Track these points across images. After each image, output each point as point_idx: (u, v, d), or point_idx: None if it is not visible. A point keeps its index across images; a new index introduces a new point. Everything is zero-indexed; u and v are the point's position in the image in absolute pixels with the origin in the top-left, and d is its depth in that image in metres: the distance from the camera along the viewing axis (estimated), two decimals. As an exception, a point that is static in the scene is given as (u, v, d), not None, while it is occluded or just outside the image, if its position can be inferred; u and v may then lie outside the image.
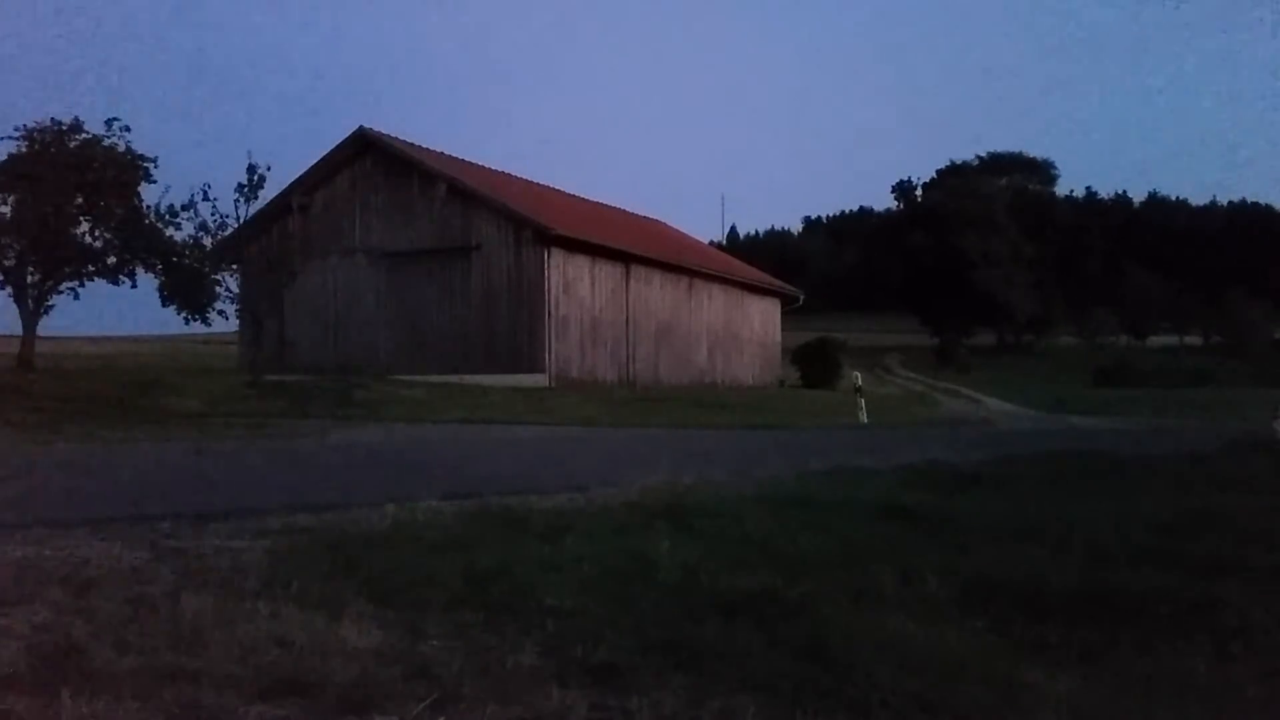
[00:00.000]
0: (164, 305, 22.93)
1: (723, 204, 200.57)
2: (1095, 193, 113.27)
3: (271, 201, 24.14)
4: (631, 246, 27.78)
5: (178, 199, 22.00)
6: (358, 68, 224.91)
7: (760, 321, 34.95)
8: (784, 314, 37.00)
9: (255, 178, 20.47)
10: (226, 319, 23.74)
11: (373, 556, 4.29)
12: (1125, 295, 79.25)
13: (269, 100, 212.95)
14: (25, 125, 22.33)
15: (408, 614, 3.53)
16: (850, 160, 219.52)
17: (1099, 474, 8.86)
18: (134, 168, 22.95)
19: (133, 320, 41.08)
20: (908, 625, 3.53)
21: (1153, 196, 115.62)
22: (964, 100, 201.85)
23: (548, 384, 23.49)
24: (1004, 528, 5.53)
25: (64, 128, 22.50)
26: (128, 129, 22.92)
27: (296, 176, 26.14)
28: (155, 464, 8.76)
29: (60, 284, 22.84)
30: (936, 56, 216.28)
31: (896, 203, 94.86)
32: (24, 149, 22.27)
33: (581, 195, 34.52)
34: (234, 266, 23.01)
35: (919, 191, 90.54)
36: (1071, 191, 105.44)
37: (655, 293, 28.60)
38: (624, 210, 36.96)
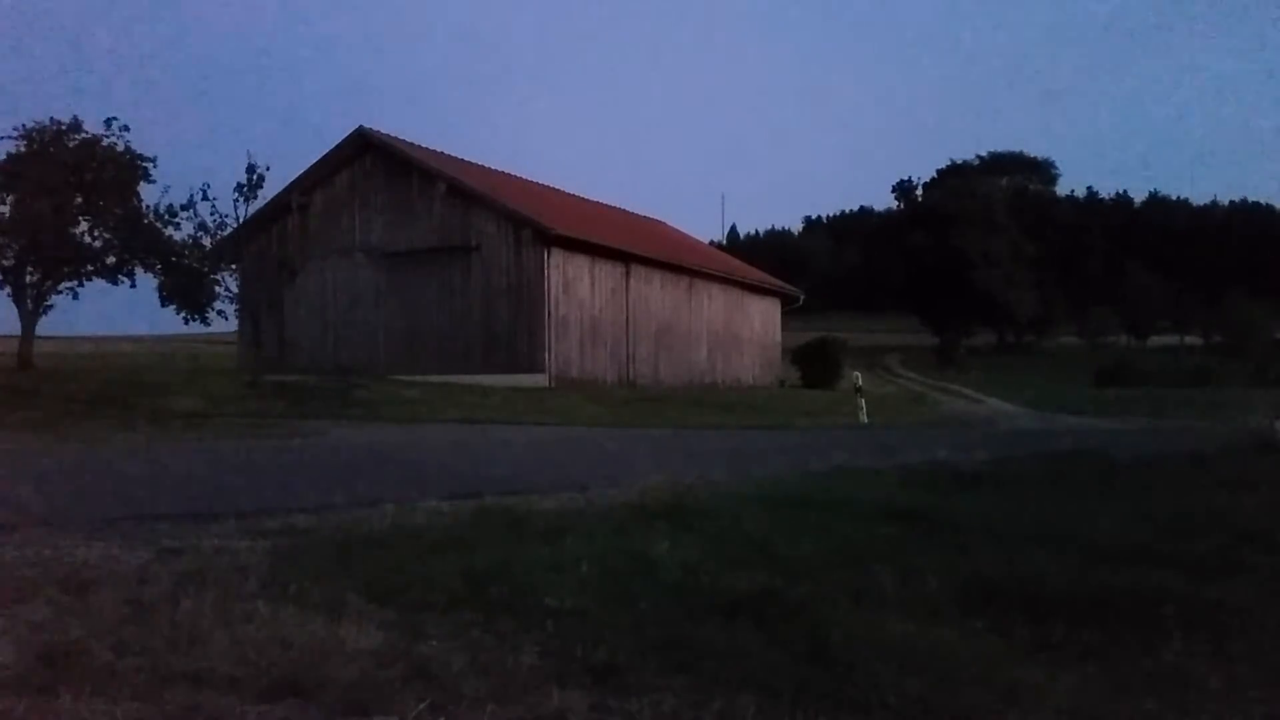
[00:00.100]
0: (163, 305, 23.00)
1: (723, 204, 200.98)
2: (1096, 192, 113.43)
3: (271, 201, 24.13)
4: (631, 246, 27.78)
5: (177, 199, 22.07)
6: (357, 68, 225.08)
7: (760, 321, 34.95)
8: (784, 314, 37.00)
9: (254, 177, 20.47)
10: (226, 319, 23.79)
11: (373, 557, 4.29)
12: (1126, 295, 79.24)
13: (269, 100, 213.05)
14: (24, 125, 22.41)
15: (407, 614, 3.52)
16: (850, 160, 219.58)
17: (1099, 474, 8.84)
18: (133, 167, 22.98)
19: (132, 320, 41.19)
20: (908, 625, 3.53)
21: (1153, 196, 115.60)
22: (964, 100, 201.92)
23: (547, 384, 23.49)
24: (1004, 528, 5.52)
25: (63, 127, 22.53)
26: (127, 129, 23.01)
27: (296, 176, 26.15)
28: (155, 464, 8.75)
29: (59, 284, 22.88)
30: (936, 56, 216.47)
31: (897, 202, 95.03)
32: (23, 149, 22.29)
33: (581, 195, 34.56)
34: (233, 266, 23.03)
35: (919, 191, 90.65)
36: (1072, 191, 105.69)
37: (655, 293, 28.59)
38: (624, 210, 36.96)
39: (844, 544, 4.91)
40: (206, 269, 22.35)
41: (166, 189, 22.91)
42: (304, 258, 23.69)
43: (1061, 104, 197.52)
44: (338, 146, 26.33)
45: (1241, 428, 14.21)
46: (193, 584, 3.80)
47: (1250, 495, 7.33)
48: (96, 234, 23.02)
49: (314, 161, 26.40)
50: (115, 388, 16.97)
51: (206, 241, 21.29)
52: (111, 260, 23.06)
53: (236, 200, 20.48)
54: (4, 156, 22.23)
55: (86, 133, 22.66)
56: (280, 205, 25.39)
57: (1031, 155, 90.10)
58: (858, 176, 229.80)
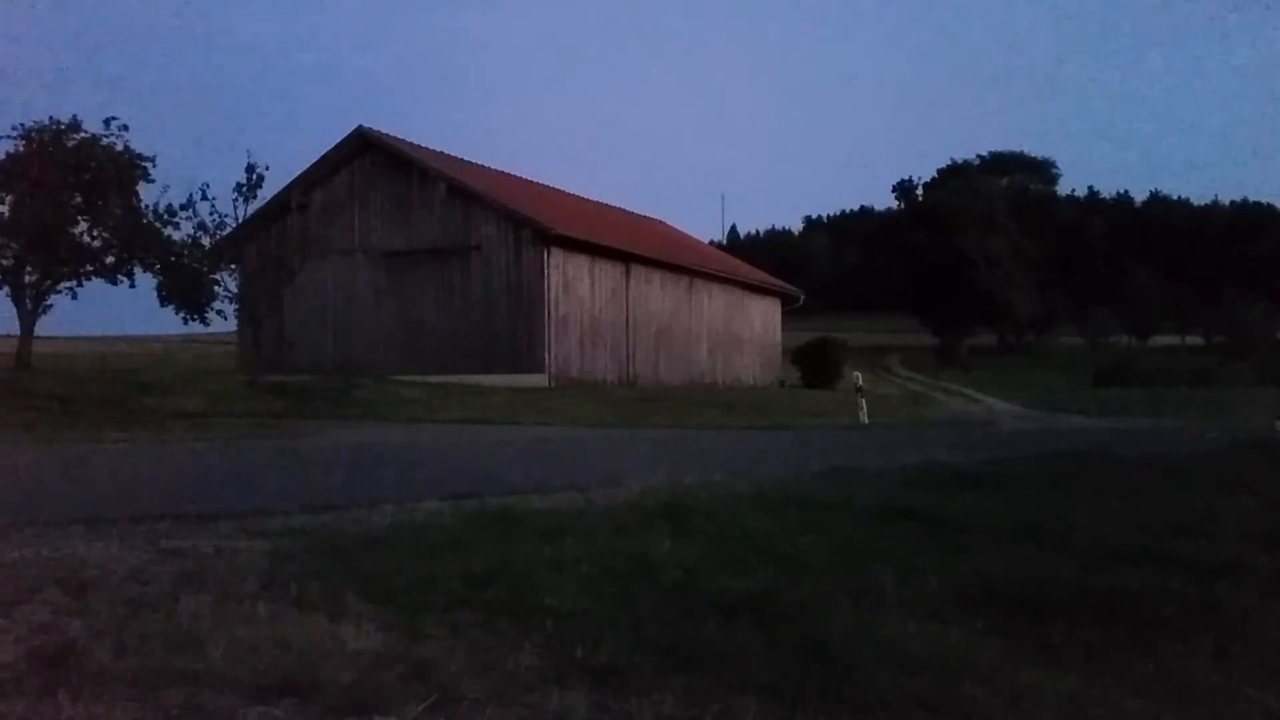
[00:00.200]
0: (162, 305, 22.97)
1: (723, 204, 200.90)
2: (1097, 192, 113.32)
3: (270, 201, 24.14)
4: (631, 246, 27.79)
5: (176, 198, 22.06)
6: (357, 67, 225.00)
7: (760, 321, 34.96)
8: (784, 314, 37.02)
9: (254, 177, 20.51)
10: (225, 319, 23.77)
11: (372, 557, 4.28)
12: (1127, 295, 79.24)
13: (269, 99, 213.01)
14: (23, 124, 22.39)
15: (407, 615, 3.51)
16: (850, 160, 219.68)
17: (1100, 474, 8.85)
18: (132, 167, 22.96)
19: (131, 320, 41.20)
20: (908, 626, 3.53)
21: (1154, 196, 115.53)
22: (964, 100, 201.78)
23: (547, 384, 23.50)
24: (1005, 528, 5.52)
25: (62, 127, 22.51)
26: (126, 128, 22.99)
27: (295, 176, 26.15)
28: (154, 464, 8.75)
29: (58, 284, 22.86)
30: (937, 56, 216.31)
31: (897, 202, 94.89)
32: (22, 148, 22.28)
33: (581, 195, 34.56)
34: (233, 266, 23.03)
35: (920, 191, 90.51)
36: (1073, 191, 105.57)
37: (655, 292, 28.59)
38: (624, 210, 36.97)
39: (844, 544, 4.90)
40: (206, 269, 22.32)
41: (166, 189, 22.92)
42: (303, 258, 23.68)
43: (1061, 104, 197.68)
44: (337, 146, 26.34)
45: (1243, 427, 14.22)
46: (192, 584, 3.79)
47: (1251, 495, 7.34)
48: (95, 234, 23.00)
49: (313, 161, 26.42)
50: (114, 388, 16.98)
51: (206, 241, 21.30)
52: (110, 260, 23.03)
53: (236, 200, 20.52)
54: (3, 156, 22.24)
55: (85, 132, 22.64)
56: (280, 205, 25.39)
57: (1032, 155, 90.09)
58: (858, 176, 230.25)
